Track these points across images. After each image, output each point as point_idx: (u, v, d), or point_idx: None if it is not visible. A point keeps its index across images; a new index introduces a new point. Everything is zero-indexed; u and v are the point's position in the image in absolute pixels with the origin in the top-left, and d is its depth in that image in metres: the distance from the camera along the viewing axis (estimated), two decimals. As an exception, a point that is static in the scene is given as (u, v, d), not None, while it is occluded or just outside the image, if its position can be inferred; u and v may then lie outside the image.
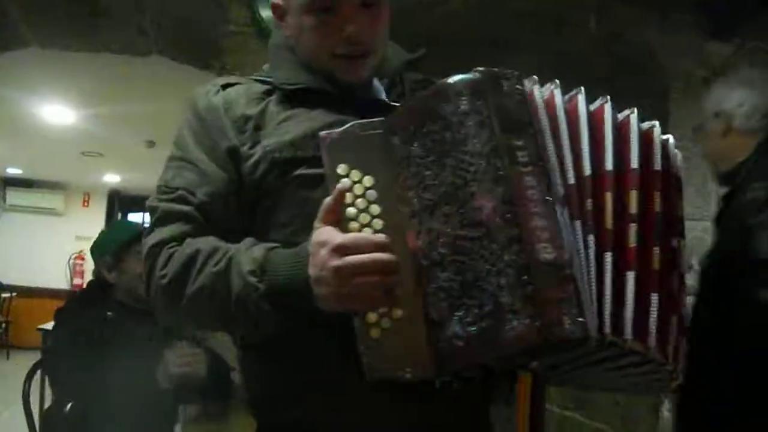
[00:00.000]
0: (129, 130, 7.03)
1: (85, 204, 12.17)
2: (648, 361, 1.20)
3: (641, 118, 1.27)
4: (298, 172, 1.30)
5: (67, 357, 2.78)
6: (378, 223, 1.18)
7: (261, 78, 1.45)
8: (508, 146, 1.12)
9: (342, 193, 1.17)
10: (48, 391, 3.25)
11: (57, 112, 6.66)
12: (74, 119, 6.85)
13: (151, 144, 7.74)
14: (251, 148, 1.32)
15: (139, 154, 8.15)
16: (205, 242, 1.27)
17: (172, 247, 1.28)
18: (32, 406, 3.13)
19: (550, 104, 1.21)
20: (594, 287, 1.14)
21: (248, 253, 1.22)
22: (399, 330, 1.15)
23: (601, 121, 1.23)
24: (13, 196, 11.62)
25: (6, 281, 10.94)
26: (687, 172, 3.54)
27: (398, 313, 1.15)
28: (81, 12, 3.42)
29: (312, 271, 1.15)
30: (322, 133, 1.23)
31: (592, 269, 1.15)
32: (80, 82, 5.56)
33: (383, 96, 1.44)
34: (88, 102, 6.19)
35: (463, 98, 1.14)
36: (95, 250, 3.09)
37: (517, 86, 1.17)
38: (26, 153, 9.37)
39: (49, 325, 6.49)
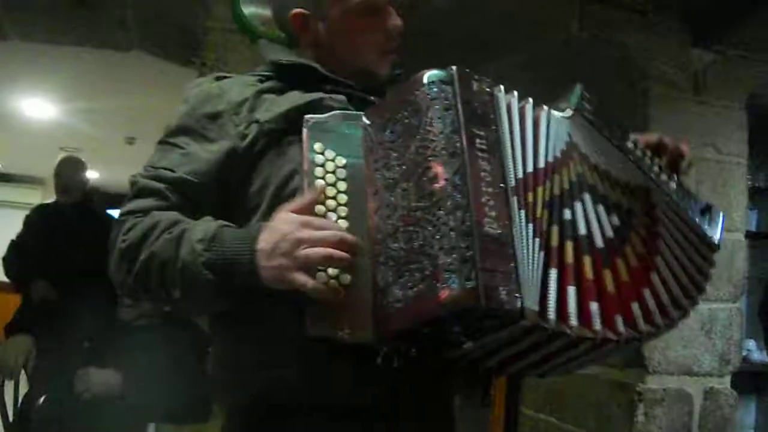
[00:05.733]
0: (109, 126, 6.99)
1: (64, 200, 12.08)
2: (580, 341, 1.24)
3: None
4: (289, 138, 1.38)
5: None
6: (342, 198, 1.27)
7: (253, 73, 1.54)
8: (469, 131, 1.20)
9: (320, 193, 1.25)
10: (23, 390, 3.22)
11: (36, 106, 6.61)
12: (54, 114, 6.81)
13: (131, 140, 7.70)
14: (246, 128, 1.40)
15: (119, 151, 8.10)
16: (168, 215, 1.33)
17: (139, 216, 1.34)
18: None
19: (510, 109, 1.30)
20: (536, 273, 1.19)
21: (202, 225, 1.28)
22: (345, 295, 1.20)
23: (538, 123, 1.34)
24: (-9, 191, 11.52)
25: (-19, 275, 10.83)
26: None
27: (347, 278, 1.21)
28: (62, 5, 3.39)
29: (267, 242, 1.21)
30: (308, 116, 1.33)
31: (535, 256, 1.21)
32: (60, 77, 5.52)
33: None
34: (68, 97, 6.16)
35: (434, 86, 1.23)
36: None
37: (487, 89, 1.28)
38: (4, 147, 9.30)
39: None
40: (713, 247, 1.51)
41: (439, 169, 1.17)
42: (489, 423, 4.12)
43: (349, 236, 1.20)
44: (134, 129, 7.20)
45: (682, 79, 3.59)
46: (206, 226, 1.27)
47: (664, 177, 1.49)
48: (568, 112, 1.40)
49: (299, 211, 1.22)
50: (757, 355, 4.93)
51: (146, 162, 1.44)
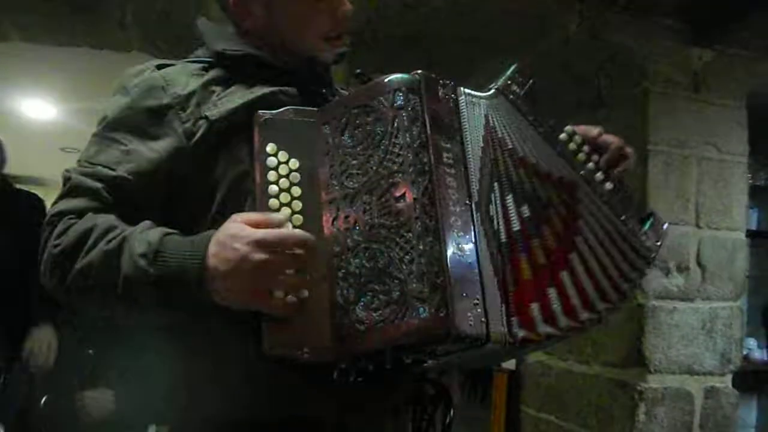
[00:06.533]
0: (109, 126, 6.98)
1: (64, 200, 12.06)
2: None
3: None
4: (240, 136, 1.29)
5: None
6: (297, 205, 1.22)
7: (195, 60, 1.46)
8: (436, 145, 1.17)
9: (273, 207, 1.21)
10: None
11: (36, 107, 6.60)
12: (54, 114, 6.79)
13: (131, 140, 7.68)
14: (194, 124, 1.31)
15: (119, 151, 8.08)
16: (104, 219, 1.23)
17: (72, 219, 1.25)
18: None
19: (474, 116, 1.28)
20: (499, 293, 1.19)
21: (143, 235, 1.19)
22: (303, 311, 1.16)
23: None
24: (-9, 191, 11.49)
25: (-18, 276, 10.78)
26: (666, 177, 3.56)
27: (304, 294, 1.16)
28: (62, 6, 3.39)
29: (219, 260, 1.13)
30: (259, 112, 1.27)
31: (499, 273, 1.20)
32: (60, 77, 5.51)
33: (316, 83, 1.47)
34: (68, 97, 6.14)
35: (399, 94, 1.19)
36: None
37: (452, 95, 1.25)
38: (5, 148, 9.29)
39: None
40: (647, 258, 1.42)
41: (406, 187, 1.14)
42: (489, 423, 4.13)
43: (309, 261, 1.15)
44: (134, 129, 7.18)
45: (682, 78, 3.59)
46: (147, 236, 1.19)
47: (599, 176, 1.40)
48: (490, 92, 1.35)
49: (252, 224, 1.15)
50: (758, 354, 4.94)
51: (81, 155, 1.34)
